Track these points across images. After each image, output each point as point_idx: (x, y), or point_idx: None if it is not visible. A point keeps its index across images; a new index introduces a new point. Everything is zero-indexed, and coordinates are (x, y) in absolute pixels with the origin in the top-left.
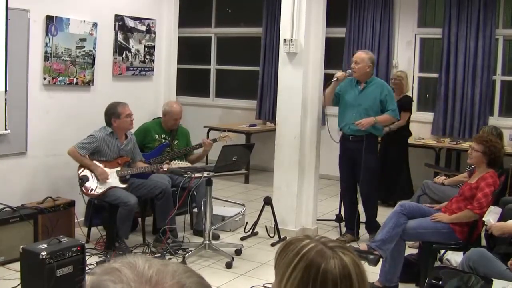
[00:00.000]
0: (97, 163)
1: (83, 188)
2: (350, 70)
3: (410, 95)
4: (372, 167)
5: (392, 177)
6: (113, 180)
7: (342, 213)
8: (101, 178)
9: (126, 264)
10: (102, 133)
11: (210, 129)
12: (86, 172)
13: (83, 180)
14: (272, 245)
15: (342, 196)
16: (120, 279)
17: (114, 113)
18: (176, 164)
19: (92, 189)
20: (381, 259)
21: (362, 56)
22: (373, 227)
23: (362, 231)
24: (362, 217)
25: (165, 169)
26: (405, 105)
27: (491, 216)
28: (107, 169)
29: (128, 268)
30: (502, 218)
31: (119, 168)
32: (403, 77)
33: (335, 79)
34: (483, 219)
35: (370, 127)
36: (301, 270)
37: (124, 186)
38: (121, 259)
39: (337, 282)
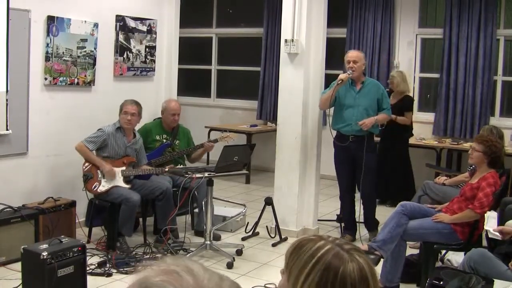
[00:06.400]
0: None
1: (86, 185)
2: (350, 71)
3: (411, 95)
4: (372, 166)
5: (391, 176)
6: (118, 179)
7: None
8: (109, 176)
9: (186, 269)
10: (110, 127)
11: (211, 129)
12: (91, 169)
13: (87, 176)
14: (273, 245)
15: (342, 197)
16: (180, 284)
17: (120, 108)
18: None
19: (96, 186)
20: (381, 259)
21: (357, 54)
22: (373, 224)
23: (358, 233)
24: (358, 217)
25: (166, 170)
26: (408, 104)
27: (490, 223)
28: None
29: (189, 274)
30: (502, 218)
31: (124, 168)
32: (395, 76)
33: (340, 81)
34: (485, 228)
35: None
36: (318, 273)
37: (128, 186)
38: (177, 261)
39: (356, 286)
